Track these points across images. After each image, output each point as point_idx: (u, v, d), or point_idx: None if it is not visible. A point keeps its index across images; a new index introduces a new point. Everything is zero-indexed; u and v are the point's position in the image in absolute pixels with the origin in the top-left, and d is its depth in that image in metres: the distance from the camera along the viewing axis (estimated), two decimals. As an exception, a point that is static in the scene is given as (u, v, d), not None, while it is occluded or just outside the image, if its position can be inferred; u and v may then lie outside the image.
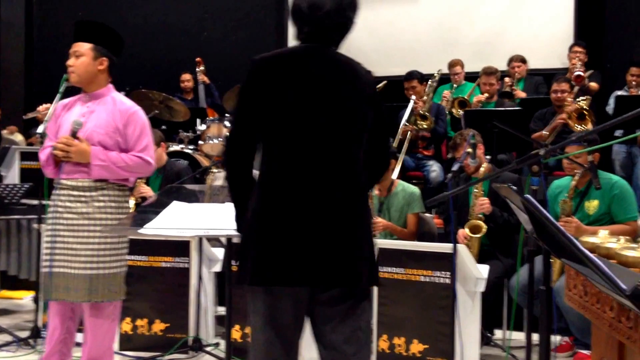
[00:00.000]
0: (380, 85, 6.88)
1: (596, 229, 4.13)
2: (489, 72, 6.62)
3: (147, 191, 5.04)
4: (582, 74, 6.57)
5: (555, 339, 4.46)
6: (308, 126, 2.23)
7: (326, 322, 2.29)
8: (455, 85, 7.30)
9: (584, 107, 5.82)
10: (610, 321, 2.36)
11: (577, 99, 6.05)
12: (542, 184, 3.58)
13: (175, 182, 4.87)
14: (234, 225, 2.36)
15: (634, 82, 6.67)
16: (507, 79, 6.97)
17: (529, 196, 1.89)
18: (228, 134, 2.35)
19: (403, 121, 6.31)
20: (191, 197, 3.33)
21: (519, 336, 4.58)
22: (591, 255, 1.90)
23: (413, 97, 6.54)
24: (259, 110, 2.25)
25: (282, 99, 2.23)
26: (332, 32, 2.31)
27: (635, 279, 1.90)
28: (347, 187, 2.25)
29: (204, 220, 2.95)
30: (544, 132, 5.92)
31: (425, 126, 6.44)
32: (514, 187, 2.12)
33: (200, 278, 4.47)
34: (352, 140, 2.28)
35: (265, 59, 2.30)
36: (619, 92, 6.70)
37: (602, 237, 2.80)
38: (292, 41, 9.01)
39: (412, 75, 6.74)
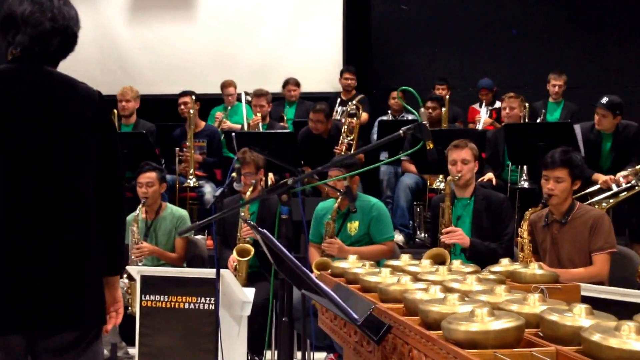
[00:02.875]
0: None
1: (357, 249, 4.34)
2: (259, 94, 6.75)
3: None
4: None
5: (321, 355, 4.60)
6: (17, 156, 2.03)
7: None
8: (228, 107, 7.33)
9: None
10: (354, 345, 2.46)
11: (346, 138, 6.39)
12: (300, 209, 3.68)
13: None
14: None
15: (395, 106, 7.16)
16: (282, 124, 7.14)
17: (265, 231, 1.90)
18: None
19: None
20: None
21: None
22: (325, 287, 1.95)
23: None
24: None
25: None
26: (53, 44, 2.12)
27: (367, 308, 1.98)
28: (67, 221, 2.08)
29: None
30: None
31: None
32: (252, 223, 2.12)
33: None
34: (72, 169, 2.10)
35: None
36: (382, 117, 7.15)
37: (351, 262, 2.93)
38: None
39: (186, 92, 6.74)
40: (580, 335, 1.50)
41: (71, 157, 2.10)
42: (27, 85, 2.08)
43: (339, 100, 7.40)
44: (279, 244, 1.89)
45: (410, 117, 7.12)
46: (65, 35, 2.15)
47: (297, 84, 7.54)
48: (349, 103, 6.93)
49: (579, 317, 1.63)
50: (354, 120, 6.55)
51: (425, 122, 2.41)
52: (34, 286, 2.00)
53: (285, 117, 7.24)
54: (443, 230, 4.21)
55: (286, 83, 7.54)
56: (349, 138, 6.43)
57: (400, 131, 2.40)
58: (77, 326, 2.08)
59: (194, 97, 6.61)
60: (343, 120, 6.70)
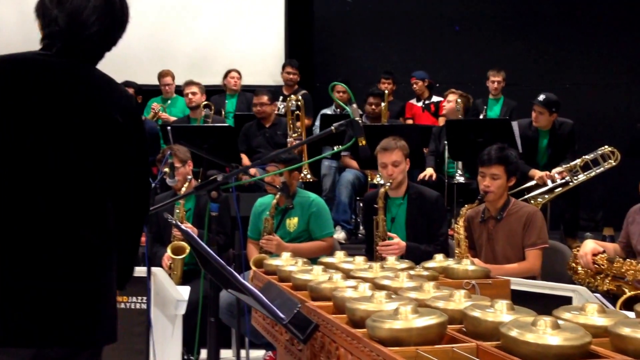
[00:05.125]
0: None
1: (296, 246, 4.29)
2: (190, 82, 6.68)
3: None
4: None
5: (260, 353, 4.56)
6: (43, 157, 1.82)
7: None
8: (168, 100, 7.19)
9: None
10: (285, 344, 2.42)
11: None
12: (233, 205, 3.62)
13: None
14: None
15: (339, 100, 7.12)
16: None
17: (188, 230, 1.84)
18: None
19: None
20: None
21: (226, 354, 4.59)
22: (250, 286, 1.90)
23: None
24: None
25: (9, 117, 1.81)
26: (93, 51, 1.96)
27: (295, 306, 1.94)
28: (88, 231, 1.88)
29: None
30: None
31: None
32: (175, 221, 2.05)
33: None
34: (101, 176, 1.90)
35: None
36: (325, 111, 7.10)
37: (285, 259, 2.88)
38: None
39: (128, 84, 6.60)
40: (499, 330, 1.51)
41: (105, 163, 1.91)
42: (66, 77, 1.89)
43: (281, 97, 7.33)
44: (202, 243, 1.84)
45: (355, 111, 7.07)
46: (112, 44, 2.00)
47: (239, 74, 7.45)
48: (288, 97, 6.84)
49: (500, 312, 1.64)
50: (298, 123, 6.49)
51: (357, 118, 2.40)
52: (49, 299, 1.83)
53: (224, 112, 7.12)
54: (380, 243, 4.12)
55: (229, 72, 7.42)
56: (295, 135, 6.36)
57: (332, 127, 2.39)
58: (90, 345, 1.92)
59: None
60: (285, 114, 6.64)
